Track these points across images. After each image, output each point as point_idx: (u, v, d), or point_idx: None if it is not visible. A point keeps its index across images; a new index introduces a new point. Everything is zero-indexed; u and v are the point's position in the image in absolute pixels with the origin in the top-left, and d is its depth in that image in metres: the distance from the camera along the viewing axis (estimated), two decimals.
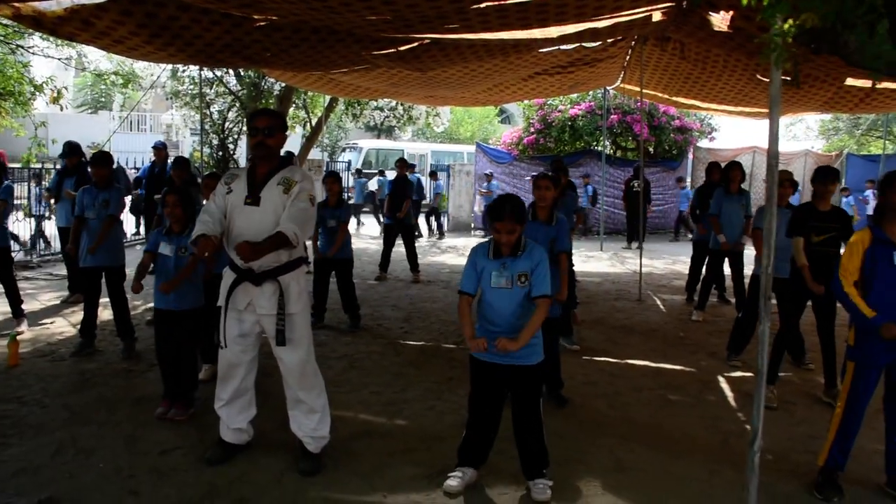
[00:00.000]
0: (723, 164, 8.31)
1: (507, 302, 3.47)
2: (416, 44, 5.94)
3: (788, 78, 2.53)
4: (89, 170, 6.27)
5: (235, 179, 3.72)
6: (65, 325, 6.88)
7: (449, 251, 14.08)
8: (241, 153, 16.39)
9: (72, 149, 7.96)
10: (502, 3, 4.27)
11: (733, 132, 74.93)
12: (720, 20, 5.26)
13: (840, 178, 5.52)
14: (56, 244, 10.20)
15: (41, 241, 11.35)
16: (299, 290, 3.72)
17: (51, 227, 11.61)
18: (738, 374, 5.86)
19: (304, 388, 3.78)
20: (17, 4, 4.37)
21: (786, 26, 2.20)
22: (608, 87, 12.14)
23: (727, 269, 7.85)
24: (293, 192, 3.62)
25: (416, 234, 15.33)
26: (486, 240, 3.65)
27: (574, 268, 6.75)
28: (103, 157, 6.14)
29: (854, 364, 3.71)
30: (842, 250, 4.08)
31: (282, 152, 3.90)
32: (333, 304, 7.22)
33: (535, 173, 16.92)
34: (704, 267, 8.22)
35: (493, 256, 3.52)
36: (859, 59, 2.46)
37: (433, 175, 16.51)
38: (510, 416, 3.61)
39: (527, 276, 3.46)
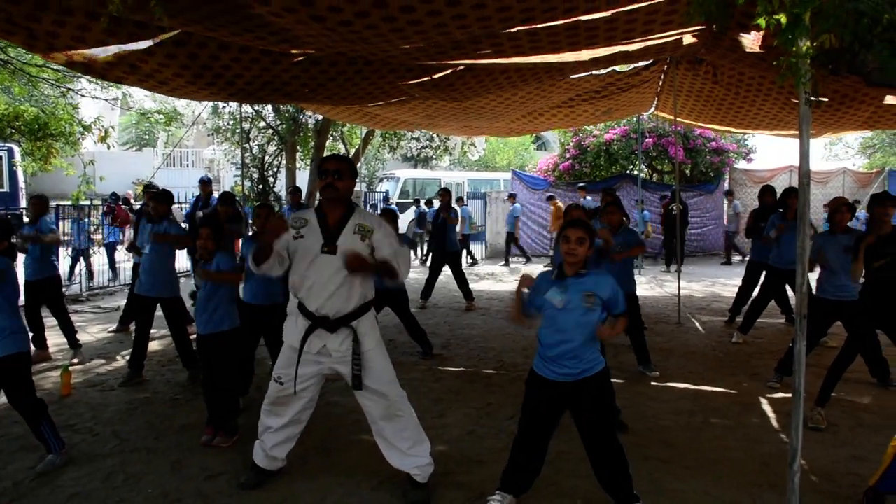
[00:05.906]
0: (761, 185, 8.22)
1: (567, 320, 3.39)
2: (449, 71, 6.06)
3: (812, 98, 2.56)
4: (150, 205, 6.54)
5: (306, 225, 3.65)
6: (114, 357, 7.08)
7: (487, 278, 14.12)
8: (281, 186, 16.71)
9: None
10: (532, 26, 4.36)
11: (770, 152, 74.11)
12: (752, 41, 5.28)
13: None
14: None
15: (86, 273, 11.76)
16: (371, 327, 3.72)
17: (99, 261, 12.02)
18: (780, 395, 5.77)
19: (396, 427, 3.77)
20: (69, 52, 4.61)
21: (804, 48, 2.24)
22: (642, 114, 12.16)
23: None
24: (377, 237, 3.65)
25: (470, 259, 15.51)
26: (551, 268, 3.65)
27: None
28: (163, 195, 6.41)
29: None
30: None
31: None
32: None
33: (569, 200, 17.07)
34: (756, 289, 8.06)
35: (556, 278, 3.50)
36: (879, 78, 2.47)
37: (459, 200, 16.60)
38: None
39: (593, 294, 3.39)
